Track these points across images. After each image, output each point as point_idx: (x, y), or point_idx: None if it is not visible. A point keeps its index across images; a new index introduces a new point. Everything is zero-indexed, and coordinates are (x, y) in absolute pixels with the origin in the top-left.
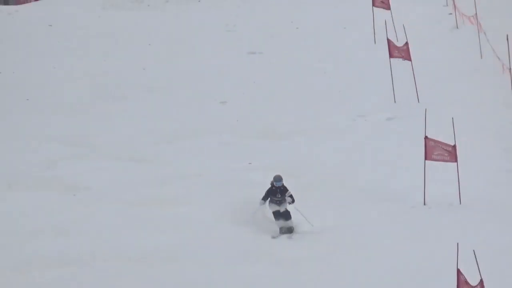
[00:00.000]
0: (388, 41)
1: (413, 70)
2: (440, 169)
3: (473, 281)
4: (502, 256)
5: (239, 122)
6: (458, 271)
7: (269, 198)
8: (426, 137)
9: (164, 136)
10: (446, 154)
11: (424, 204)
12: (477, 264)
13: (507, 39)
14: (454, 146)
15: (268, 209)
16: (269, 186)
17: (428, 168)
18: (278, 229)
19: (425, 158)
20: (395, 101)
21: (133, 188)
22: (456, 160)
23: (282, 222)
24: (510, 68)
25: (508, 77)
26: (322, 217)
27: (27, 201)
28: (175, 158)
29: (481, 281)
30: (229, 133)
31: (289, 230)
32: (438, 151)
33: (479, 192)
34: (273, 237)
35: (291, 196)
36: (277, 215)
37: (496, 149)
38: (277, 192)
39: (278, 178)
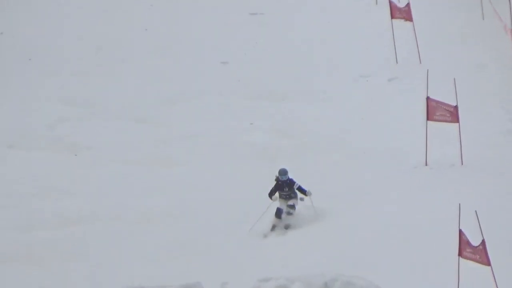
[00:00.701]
0: (390, 2)
1: (414, 31)
2: (442, 130)
3: (475, 241)
4: (504, 217)
5: (240, 83)
6: (460, 232)
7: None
8: (428, 98)
9: (165, 96)
10: (448, 115)
11: (426, 164)
12: (479, 224)
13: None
14: (456, 107)
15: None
16: (275, 182)
17: (430, 129)
18: (271, 226)
19: (427, 119)
20: (397, 62)
21: (134, 148)
22: (458, 121)
23: (277, 221)
24: None
25: (510, 38)
26: (322, 178)
27: (29, 161)
28: (176, 118)
29: (483, 241)
30: (230, 94)
31: (285, 227)
32: (440, 111)
33: (481, 152)
34: (265, 236)
35: (300, 188)
36: (278, 212)
37: (498, 110)
38: (283, 187)
39: (283, 172)
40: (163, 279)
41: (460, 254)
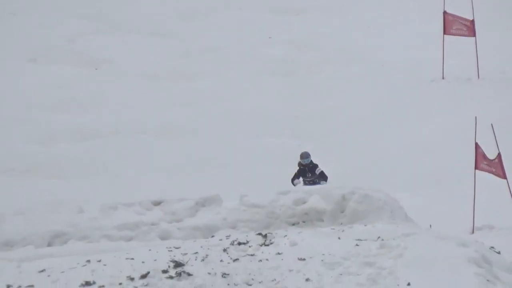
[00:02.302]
0: None
1: None
2: (458, 43)
3: (491, 155)
4: None
5: None
6: (476, 145)
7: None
8: (444, 12)
9: (184, 10)
10: (464, 29)
11: (443, 78)
12: (495, 137)
13: None
14: (473, 21)
15: None
16: (297, 168)
17: (446, 42)
18: None
19: (444, 33)
20: None
21: (154, 62)
22: (474, 35)
23: None
24: None
25: None
26: (342, 93)
27: (49, 75)
28: (195, 32)
29: (499, 154)
30: (249, 8)
31: None
32: (457, 25)
33: (497, 66)
34: None
35: (322, 173)
36: None
37: None
38: (306, 172)
39: (305, 155)
40: (183, 192)
41: (476, 167)
